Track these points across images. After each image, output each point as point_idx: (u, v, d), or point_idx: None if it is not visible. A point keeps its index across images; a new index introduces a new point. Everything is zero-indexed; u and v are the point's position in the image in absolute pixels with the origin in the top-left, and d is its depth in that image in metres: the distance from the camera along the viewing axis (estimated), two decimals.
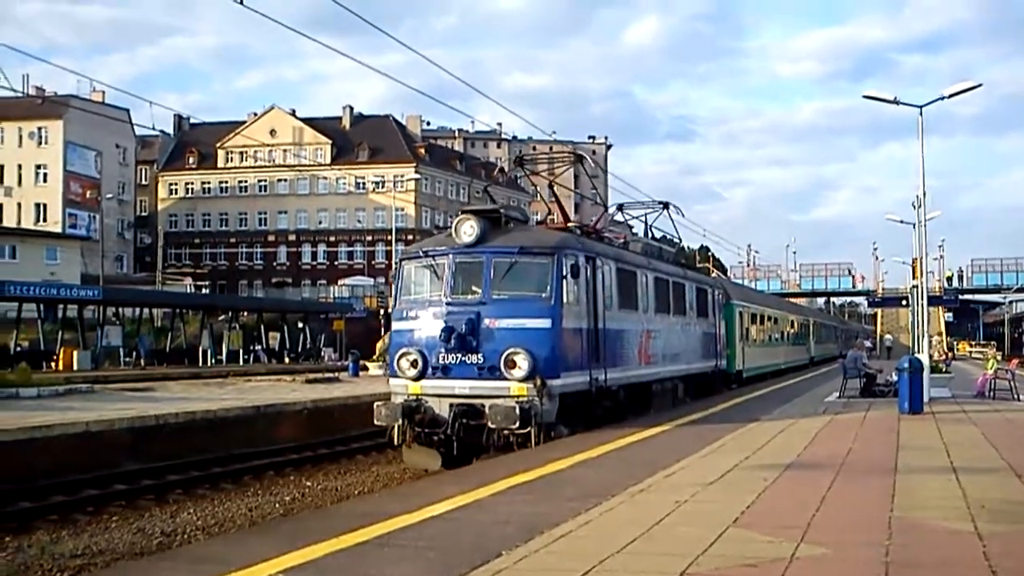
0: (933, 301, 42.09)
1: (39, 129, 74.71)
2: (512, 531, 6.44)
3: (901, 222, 39.14)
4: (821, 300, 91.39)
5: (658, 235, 21.81)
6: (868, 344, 42.61)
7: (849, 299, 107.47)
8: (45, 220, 73.27)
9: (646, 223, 21.03)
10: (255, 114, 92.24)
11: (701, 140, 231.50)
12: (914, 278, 30.40)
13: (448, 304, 12.84)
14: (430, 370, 12.80)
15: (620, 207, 21.41)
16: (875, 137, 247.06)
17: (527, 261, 13.01)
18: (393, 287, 15.05)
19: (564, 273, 12.83)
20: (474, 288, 13.01)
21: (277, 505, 12.41)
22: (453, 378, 12.67)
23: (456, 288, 13.02)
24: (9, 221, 71.46)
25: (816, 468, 9.49)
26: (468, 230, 13.04)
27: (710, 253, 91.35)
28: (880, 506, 7.31)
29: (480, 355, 12.50)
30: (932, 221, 31.27)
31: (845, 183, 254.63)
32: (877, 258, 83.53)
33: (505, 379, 12.35)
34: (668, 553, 5.80)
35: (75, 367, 38.95)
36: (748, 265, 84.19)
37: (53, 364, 40.15)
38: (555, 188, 19.33)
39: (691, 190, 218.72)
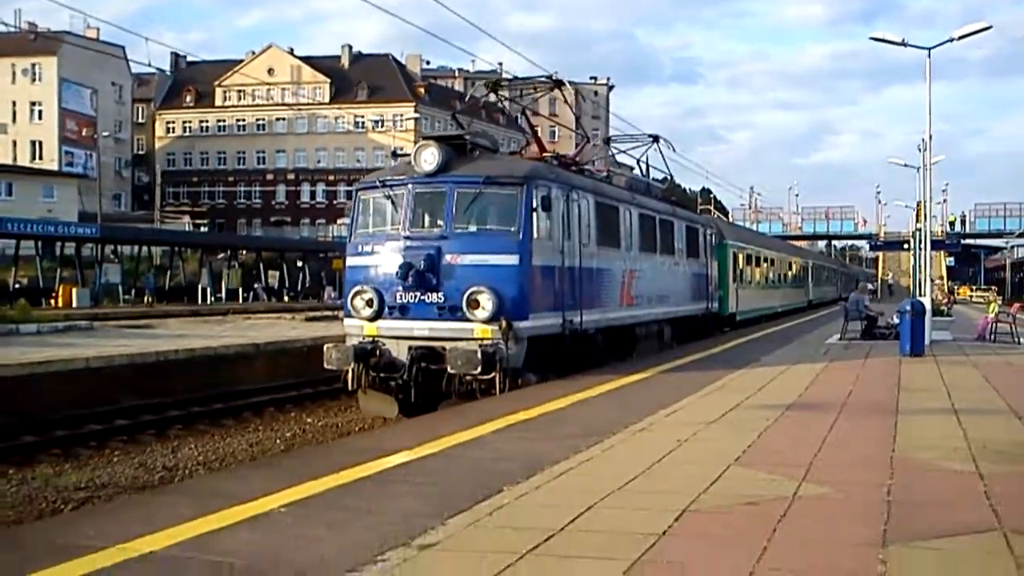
0: (935, 245, 41.88)
1: (33, 65, 73.74)
2: (513, 467, 6.44)
3: (905, 165, 38.96)
4: (823, 243, 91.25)
5: (656, 175, 21.44)
6: (870, 287, 42.59)
7: (851, 242, 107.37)
8: (41, 158, 72.69)
9: (646, 161, 20.66)
10: (253, 52, 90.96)
11: (705, 83, 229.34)
12: (918, 222, 30.32)
13: (406, 238, 11.90)
14: (387, 310, 11.91)
15: (607, 140, 20.85)
16: (879, 80, 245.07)
17: (493, 192, 11.97)
18: (349, 220, 13.90)
19: (534, 205, 11.82)
20: (435, 221, 12.14)
21: (278, 441, 12.48)
22: (411, 319, 11.78)
23: (415, 221, 12.10)
24: (5, 158, 70.80)
25: (818, 409, 9.49)
26: (429, 157, 11.98)
27: (712, 195, 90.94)
28: (882, 446, 7.30)
29: (440, 294, 11.60)
30: (936, 165, 30.96)
31: (848, 127, 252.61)
32: (880, 202, 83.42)
33: (467, 320, 11.45)
34: (669, 491, 5.79)
35: (74, 304, 39.03)
36: (750, 207, 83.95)
37: (52, 301, 40.20)
38: (545, 119, 18.77)
39: (694, 132, 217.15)
